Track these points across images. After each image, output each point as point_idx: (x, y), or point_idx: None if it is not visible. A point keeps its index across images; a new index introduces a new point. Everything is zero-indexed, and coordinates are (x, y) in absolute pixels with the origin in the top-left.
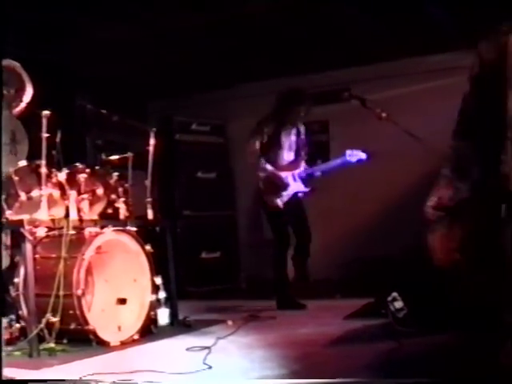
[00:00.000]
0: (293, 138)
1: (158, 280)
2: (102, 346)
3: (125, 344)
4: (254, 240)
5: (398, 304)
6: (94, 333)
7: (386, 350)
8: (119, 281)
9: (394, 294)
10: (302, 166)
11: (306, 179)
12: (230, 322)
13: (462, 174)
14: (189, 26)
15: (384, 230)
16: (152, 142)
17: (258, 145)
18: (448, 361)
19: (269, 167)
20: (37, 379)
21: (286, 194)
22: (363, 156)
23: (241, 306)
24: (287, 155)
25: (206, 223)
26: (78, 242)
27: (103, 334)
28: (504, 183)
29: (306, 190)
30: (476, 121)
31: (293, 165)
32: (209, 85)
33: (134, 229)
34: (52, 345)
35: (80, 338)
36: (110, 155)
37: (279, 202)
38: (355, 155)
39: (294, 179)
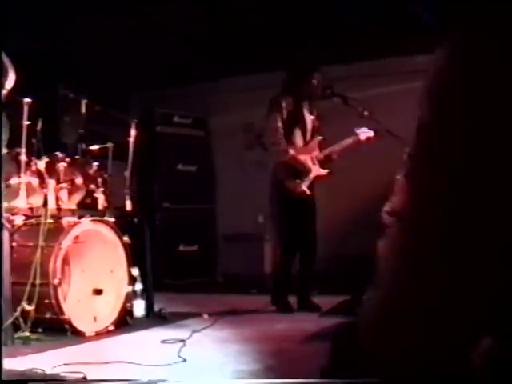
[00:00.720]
0: (308, 115)
1: (135, 271)
2: (77, 336)
3: (100, 335)
4: (232, 234)
5: None
6: (70, 323)
7: None
8: (96, 271)
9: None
10: (318, 147)
11: (323, 161)
12: (205, 316)
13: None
14: (176, 18)
15: (365, 228)
16: (133, 133)
17: (279, 121)
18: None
19: (290, 150)
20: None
21: (308, 180)
22: (371, 133)
23: (217, 299)
24: (306, 135)
25: (184, 216)
26: (56, 231)
27: (78, 324)
28: None
29: (325, 172)
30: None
31: (310, 146)
32: (193, 78)
33: (112, 219)
34: (27, 333)
35: (55, 328)
36: (91, 145)
37: (304, 187)
38: (363, 132)
39: (313, 162)
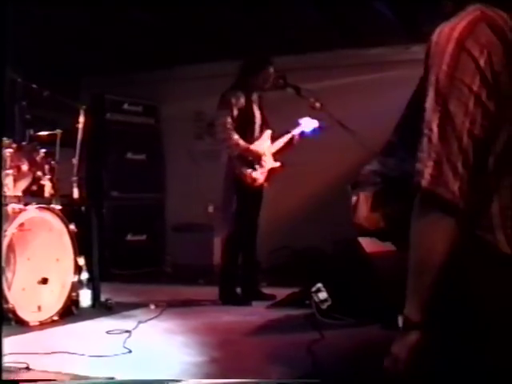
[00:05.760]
0: (258, 109)
1: (81, 261)
2: (21, 325)
3: (44, 324)
4: (181, 224)
5: (322, 295)
6: (14, 312)
7: (306, 341)
8: (41, 260)
9: (319, 285)
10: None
11: (275, 154)
12: (152, 306)
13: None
14: (128, 3)
15: (315, 220)
16: (81, 119)
17: (229, 119)
18: (368, 354)
19: (242, 143)
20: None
21: (263, 171)
22: (316, 124)
23: (165, 290)
24: (256, 129)
25: (133, 205)
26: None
27: (22, 314)
28: (418, 179)
29: (278, 165)
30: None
31: (261, 140)
32: (145, 64)
33: (59, 207)
34: None
35: (1, 319)
36: (39, 131)
37: (261, 180)
38: (309, 122)
39: (266, 155)
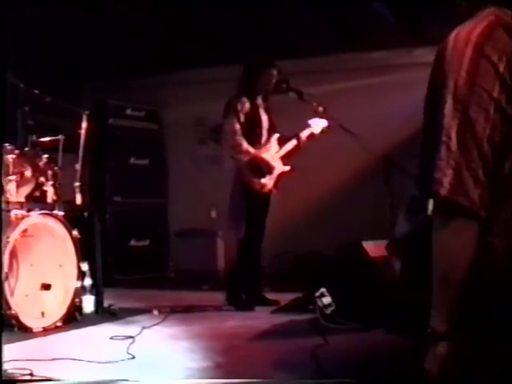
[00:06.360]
0: (264, 114)
1: (84, 266)
2: (24, 331)
3: (47, 330)
4: (184, 229)
5: (326, 300)
6: (17, 318)
7: (311, 346)
8: (44, 266)
9: (323, 290)
10: (277, 144)
11: (283, 158)
12: (155, 312)
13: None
14: (129, 8)
15: (318, 225)
16: (84, 125)
17: (237, 124)
18: (373, 360)
19: (251, 149)
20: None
21: (272, 177)
22: (325, 123)
23: (168, 295)
24: (264, 134)
25: (136, 210)
26: (3, 224)
27: (26, 320)
28: (437, 188)
29: (287, 168)
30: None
31: (269, 144)
32: (146, 69)
33: (62, 213)
34: None
35: (1, 323)
36: (41, 137)
37: (270, 186)
38: (318, 123)
39: (274, 160)
